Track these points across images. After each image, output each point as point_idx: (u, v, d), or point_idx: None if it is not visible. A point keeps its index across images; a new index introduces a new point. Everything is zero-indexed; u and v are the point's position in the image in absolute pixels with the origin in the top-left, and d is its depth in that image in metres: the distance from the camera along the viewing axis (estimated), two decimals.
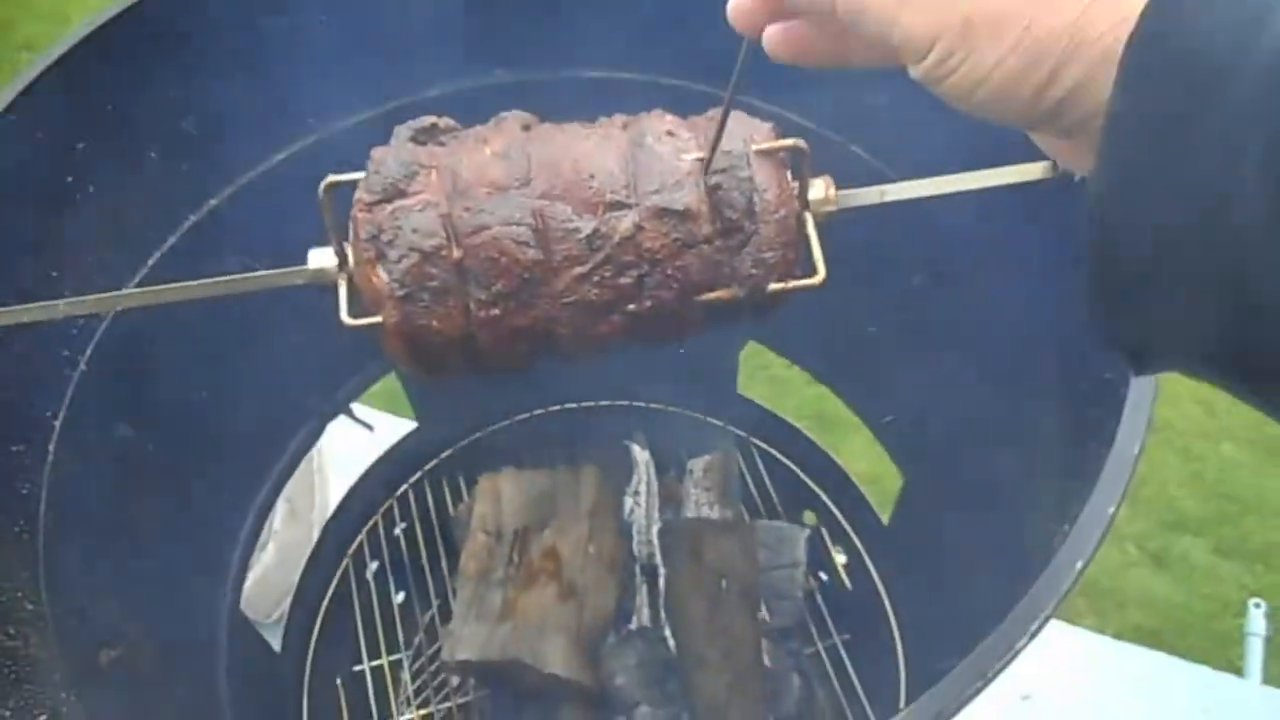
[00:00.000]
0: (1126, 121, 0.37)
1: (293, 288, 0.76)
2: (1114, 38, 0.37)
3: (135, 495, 1.07)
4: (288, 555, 1.74)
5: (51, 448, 0.95)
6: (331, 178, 0.73)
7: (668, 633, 1.28)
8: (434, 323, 0.73)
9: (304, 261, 0.77)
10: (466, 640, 1.23)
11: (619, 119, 0.80)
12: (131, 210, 1.01)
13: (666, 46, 1.09)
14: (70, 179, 0.95)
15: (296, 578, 1.55)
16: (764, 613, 1.32)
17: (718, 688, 1.20)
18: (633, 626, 1.29)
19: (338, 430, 1.49)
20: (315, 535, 1.67)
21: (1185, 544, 2.54)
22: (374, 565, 1.49)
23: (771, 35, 0.51)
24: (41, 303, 0.78)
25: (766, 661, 1.27)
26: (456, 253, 0.71)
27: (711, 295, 0.76)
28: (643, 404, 1.56)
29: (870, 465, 1.53)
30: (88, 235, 0.98)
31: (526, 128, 0.78)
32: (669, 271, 0.73)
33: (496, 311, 0.73)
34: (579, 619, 1.25)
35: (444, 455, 1.55)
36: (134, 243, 1.02)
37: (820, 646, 1.35)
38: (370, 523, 1.50)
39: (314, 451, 1.51)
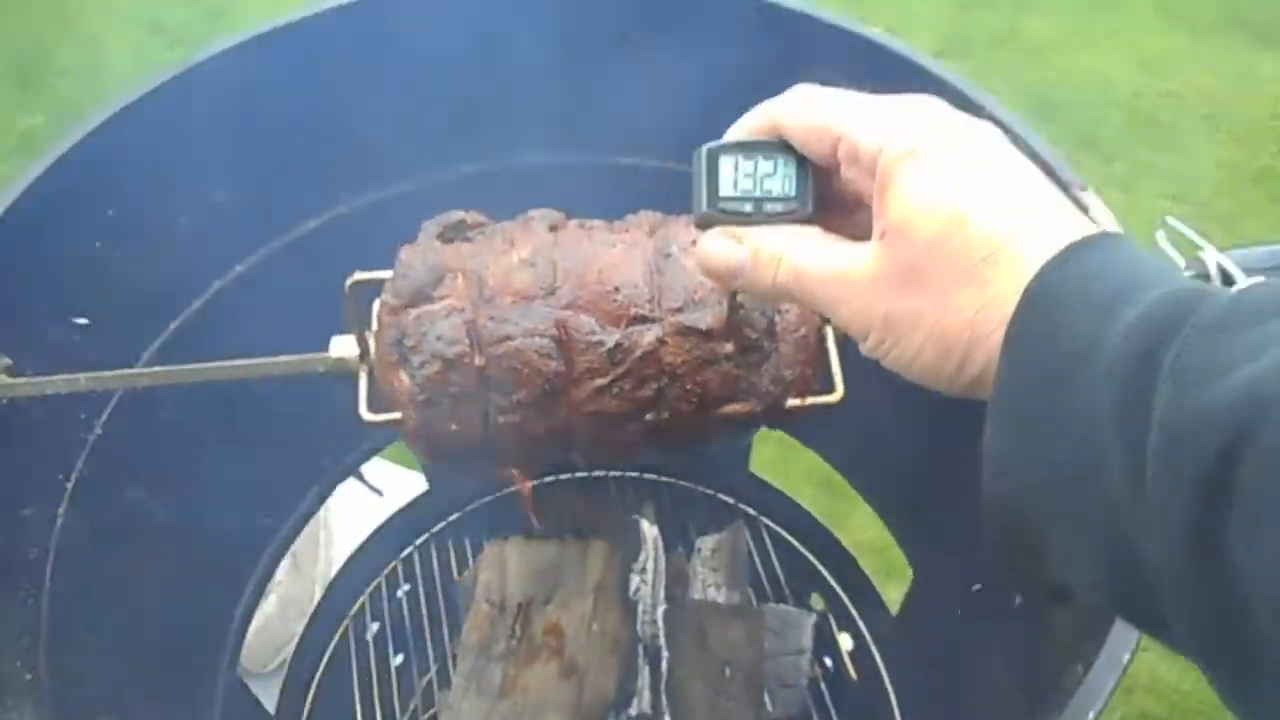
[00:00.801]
0: (1007, 402, 0.43)
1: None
2: (1001, 334, 0.43)
3: (142, 556, 1.07)
4: (288, 608, 1.73)
5: (61, 511, 0.95)
6: (358, 275, 0.73)
7: (668, 718, 1.26)
8: (453, 426, 0.73)
9: (325, 334, 0.78)
10: (465, 715, 1.22)
11: (646, 221, 0.80)
12: (158, 276, 1.02)
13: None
14: (99, 244, 0.95)
15: (297, 629, 1.54)
16: (767, 700, 1.30)
17: None
18: (633, 711, 1.27)
19: (346, 488, 1.49)
20: (318, 591, 1.67)
21: None
22: (374, 627, 1.48)
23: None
24: (64, 376, 0.79)
25: None
26: (479, 360, 0.71)
27: (730, 409, 0.75)
28: (654, 476, 1.55)
29: (879, 533, 1.51)
30: (114, 299, 0.98)
31: (554, 228, 0.78)
32: (689, 386, 0.73)
33: (516, 418, 0.72)
34: (579, 699, 1.23)
35: (451, 518, 1.55)
36: (160, 307, 1.03)
37: None
38: (373, 584, 1.49)
39: (321, 508, 1.51)
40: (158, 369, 0.77)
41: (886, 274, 0.47)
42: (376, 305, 0.74)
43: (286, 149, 1.05)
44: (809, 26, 0.96)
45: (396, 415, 0.74)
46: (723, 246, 0.53)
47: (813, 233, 0.51)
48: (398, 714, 1.42)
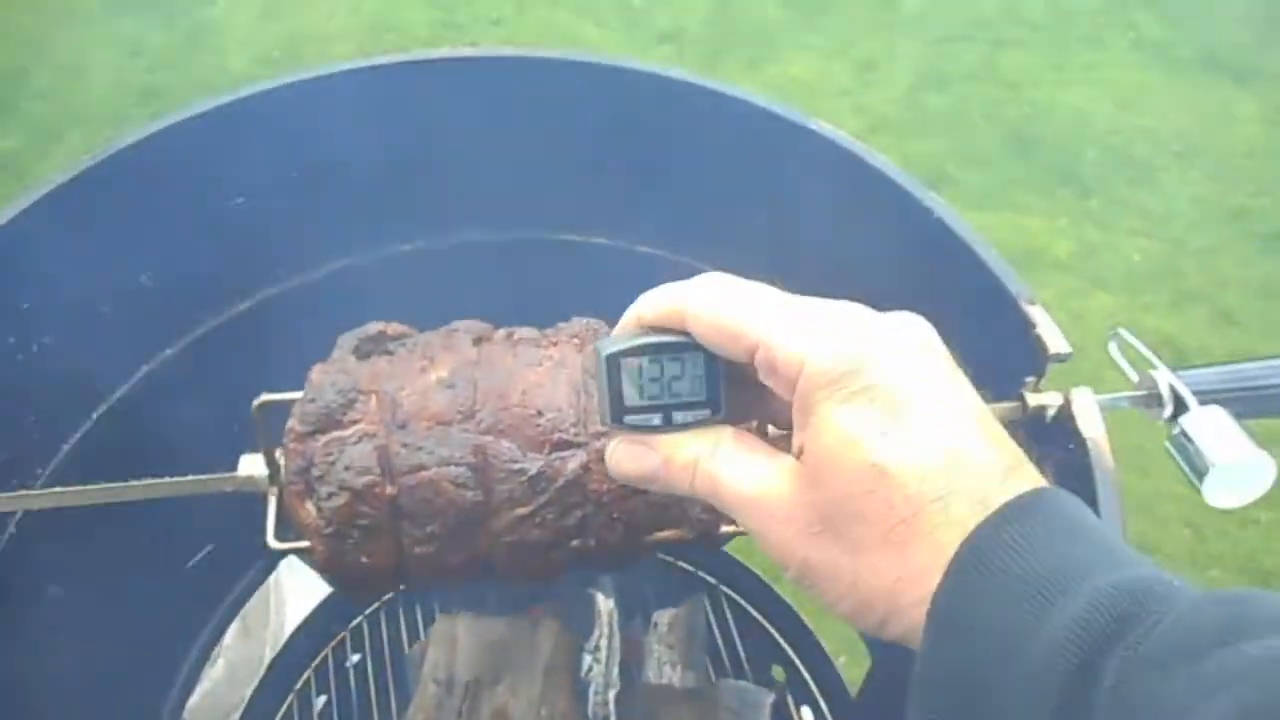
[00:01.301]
0: (930, 691, 0.40)
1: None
2: (922, 611, 0.40)
3: (64, 655, 1.02)
4: (237, 671, 1.68)
5: None
6: (265, 396, 0.70)
7: None
8: (363, 558, 0.69)
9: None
10: None
11: (576, 331, 0.76)
12: (78, 364, 0.97)
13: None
14: (13, 339, 0.91)
15: (245, 694, 1.49)
16: None
17: None
18: None
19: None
20: (267, 655, 1.62)
21: None
22: (321, 701, 1.43)
23: None
24: None
25: None
26: (390, 490, 0.67)
27: (660, 535, 0.72)
28: None
29: None
30: (29, 392, 0.94)
31: (479, 341, 0.75)
32: (615, 514, 0.70)
33: (430, 549, 0.69)
34: None
35: (402, 587, 1.50)
36: (80, 396, 0.99)
37: None
38: (321, 656, 1.45)
39: (271, 574, 1.47)
40: (57, 489, 0.73)
41: (803, 515, 0.44)
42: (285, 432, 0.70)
43: (218, 229, 1.02)
44: (733, 108, 0.93)
45: (305, 544, 0.70)
46: (632, 455, 0.49)
47: (727, 435, 0.47)
48: None
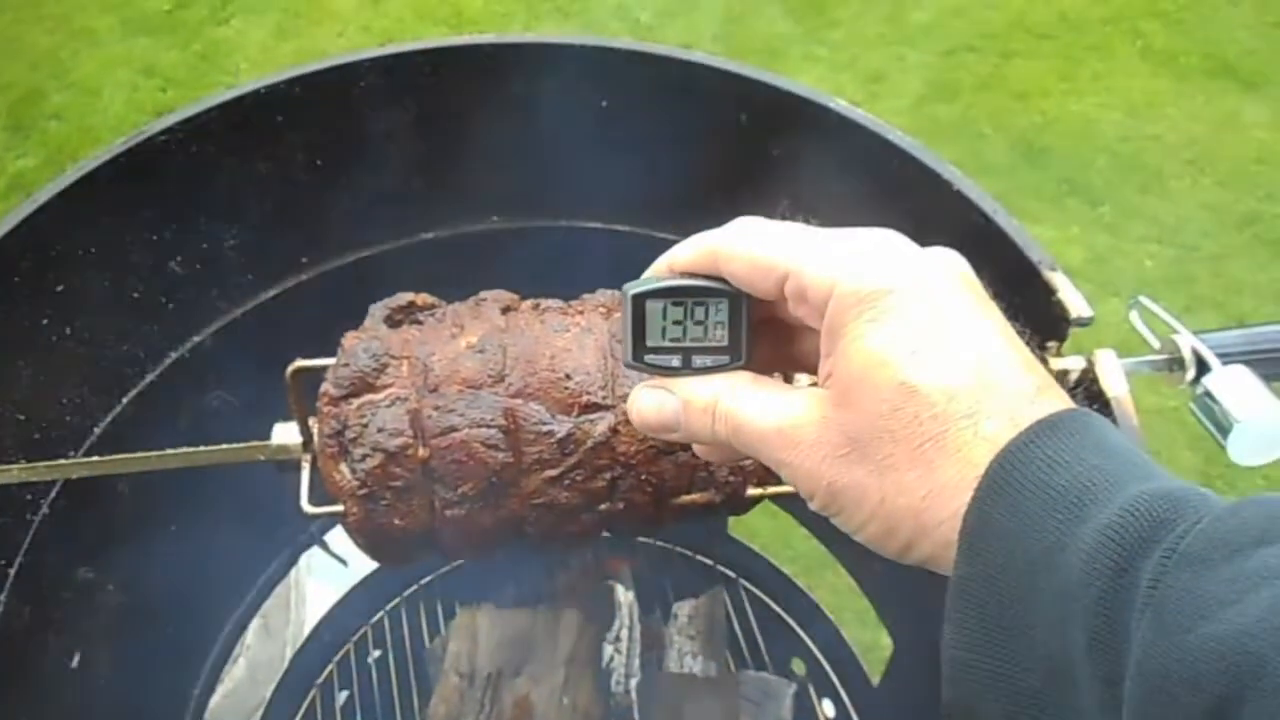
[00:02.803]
0: (966, 605, 0.40)
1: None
2: (950, 528, 0.41)
3: (93, 639, 1.03)
4: (258, 671, 1.69)
5: (2, 598, 0.91)
6: (300, 362, 0.71)
7: None
8: (396, 520, 0.70)
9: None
10: None
11: (603, 301, 0.77)
12: (109, 349, 0.99)
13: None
14: (46, 320, 0.93)
15: (266, 694, 1.49)
16: None
17: None
18: None
19: (316, 551, 1.45)
20: (288, 654, 1.63)
21: None
22: (344, 695, 1.44)
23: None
24: None
25: None
26: (423, 452, 0.68)
27: (687, 499, 0.73)
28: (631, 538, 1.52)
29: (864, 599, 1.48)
30: (62, 375, 0.96)
31: (507, 310, 0.76)
32: (643, 476, 0.71)
33: (462, 511, 0.70)
34: None
35: (424, 580, 1.51)
36: (111, 381, 1.00)
37: None
38: (343, 650, 1.45)
39: (292, 571, 1.47)
40: (94, 459, 0.74)
41: (830, 438, 0.44)
42: (319, 396, 0.71)
43: (246, 218, 1.03)
44: (766, 93, 0.94)
45: (338, 508, 0.71)
46: (653, 400, 0.49)
47: (744, 379, 0.48)
48: None
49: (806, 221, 0.48)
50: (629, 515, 0.72)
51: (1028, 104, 3.34)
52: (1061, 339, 0.76)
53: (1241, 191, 3.08)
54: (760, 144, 0.98)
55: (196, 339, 1.06)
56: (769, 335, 0.50)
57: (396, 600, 1.50)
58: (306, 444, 0.73)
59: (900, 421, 0.41)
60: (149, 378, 1.03)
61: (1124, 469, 0.39)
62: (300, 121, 1.01)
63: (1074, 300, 0.75)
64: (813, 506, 0.46)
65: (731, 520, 1.52)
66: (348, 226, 1.08)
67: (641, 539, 1.52)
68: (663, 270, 0.50)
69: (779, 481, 0.75)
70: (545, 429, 0.69)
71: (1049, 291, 0.76)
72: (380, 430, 0.68)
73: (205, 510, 1.15)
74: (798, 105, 0.92)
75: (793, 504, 1.34)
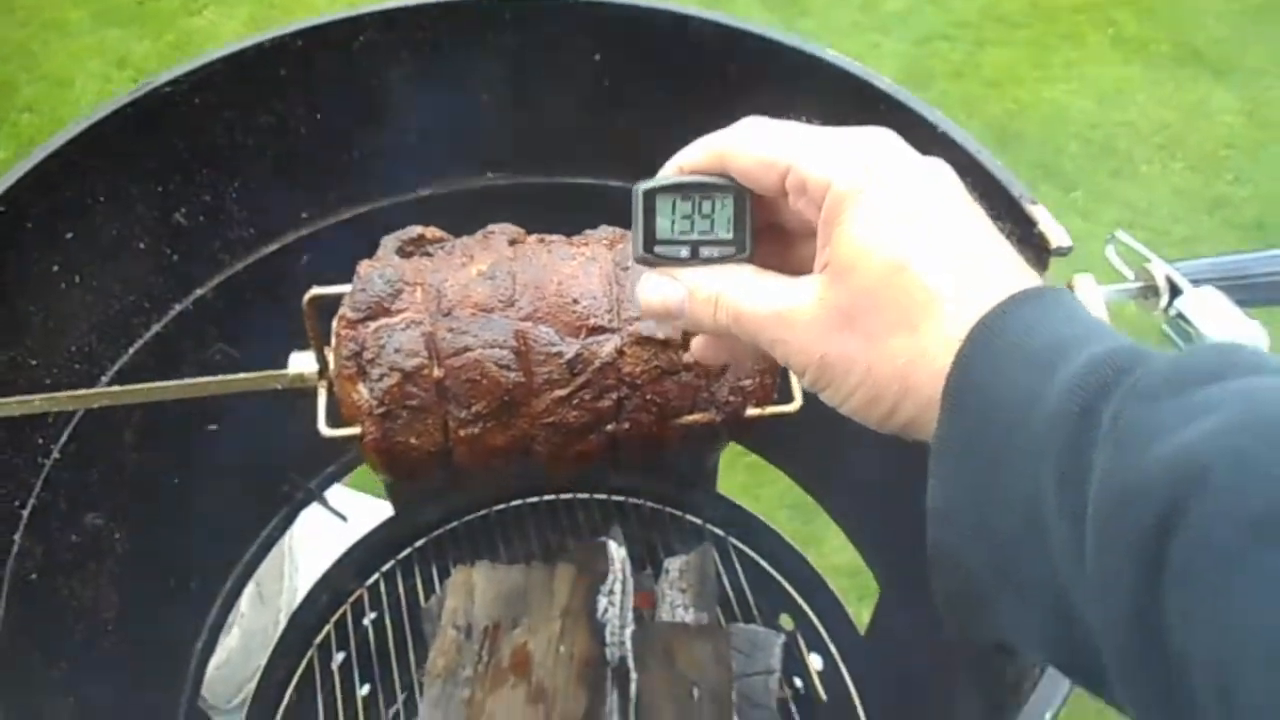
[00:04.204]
0: (948, 456, 0.43)
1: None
2: (933, 387, 0.44)
3: (100, 585, 1.05)
4: (252, 640, 1.70)
5: (17, 538, 0.93)
6: (316, 290, 0.73)
7: None
8: (412, 439, 0.72)
9: (285, 359, 0.78)
10: None
11: (606, 234, 0.81)
12: (116, 299, 1.01)
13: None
14: (56, 267, 0.95)
15: (260, 663, 1.51)
16: None
17: None
18: None
19: (310, 514, 1.47)
20: (282, 621, 1.64)
21: None
22: (340, 656, 1.46)
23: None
24: (18, 398, 0.78)
25: None
26: (438, 372, 0.71)
27: (689, 419, 0.76)
28: (621, 498, 1.55)
29: (852, 557, 1.51)
30: (71, 322, 0.97)
31: (514, 242, 0.79)
32: (648, 396, 0.74)
33: (475, 430, 0.73)
34: None
35: (418, 544, 1.53)
36: (117, 330, 1.02)
37: None
38: (339, 612, 1.47)
39: (285, 535, 1.49)
40: (115, 388, 0.77)
41: (824, 316, 0.47)
42: (335, 321, 0.74)
43: (248, 171, 1.06)
44: (761, 46, 0.97)
45: (355, 430, 0.73)
46: (659, 287, 0.53)
47: (747, 271, 0.51)
48: None
49: None
50: (634, 436, 0.76)
51: (1001, 91, 3.40)
52: (1043, 269, 0.80)
53: (1211, 176, 3.15)
54: (750, 96, 1.01)
55: (199, 291, 1.08)
56: (771, 240, 0.53)
57: (391, 563, 1.52)
58: (322, 371, 0.75)
59: (890, 294, 0.45)
60: (154, 328, 1.05)
61: (1093, 333, 0.42)
62: (302, 77, 1.04)
63: (1054, 231, 0.78)
64: (804, 383, 0.51)
65: (726, 484, 1.56)
66: (346, 182, 1.11)
67: (632, 500, 1.55)
68: (673, 171, 0.54)
69: (776, 403, 0.79)
70: (554, 350, 0.72)
71: (1030, 224, 0.80)
72: (397, 351, 0.71)
73: (204, 468, 1.17)
74: (787, 54, 0.96)
75: (785, 452, 1.38)
